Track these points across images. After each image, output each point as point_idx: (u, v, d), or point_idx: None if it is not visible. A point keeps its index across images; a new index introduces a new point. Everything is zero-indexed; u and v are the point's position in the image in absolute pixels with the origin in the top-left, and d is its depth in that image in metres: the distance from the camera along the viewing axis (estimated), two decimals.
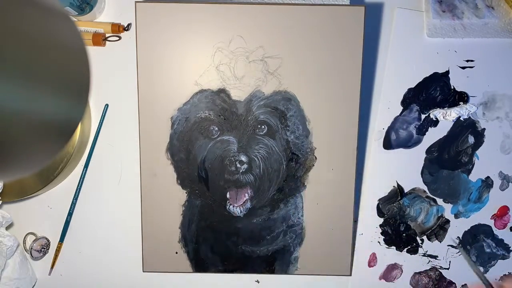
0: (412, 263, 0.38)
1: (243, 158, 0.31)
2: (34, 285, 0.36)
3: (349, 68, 0.31)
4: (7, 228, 0.36)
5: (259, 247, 0.33)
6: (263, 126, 0.31)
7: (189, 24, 0.30)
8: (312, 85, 0.31)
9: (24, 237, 0.36)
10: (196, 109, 0.31)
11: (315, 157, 0.32)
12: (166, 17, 0.30)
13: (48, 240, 0.37)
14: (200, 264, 0.34)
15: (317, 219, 0.33)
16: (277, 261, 0.34)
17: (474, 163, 0.37)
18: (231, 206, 0.33)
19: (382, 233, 0.37)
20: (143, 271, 0.34)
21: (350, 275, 0.35)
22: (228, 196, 0.32)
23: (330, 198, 0.33)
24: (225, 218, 0.33)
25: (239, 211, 0.33)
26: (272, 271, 0.34)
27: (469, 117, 0.36)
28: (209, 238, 0.33)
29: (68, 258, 0.37)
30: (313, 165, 0.32)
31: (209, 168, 0.32)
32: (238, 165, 0.32)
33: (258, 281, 0.38)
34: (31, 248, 0.36)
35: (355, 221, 0.36)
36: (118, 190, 0.36)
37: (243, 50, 0.31)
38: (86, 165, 0.36)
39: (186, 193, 0.33)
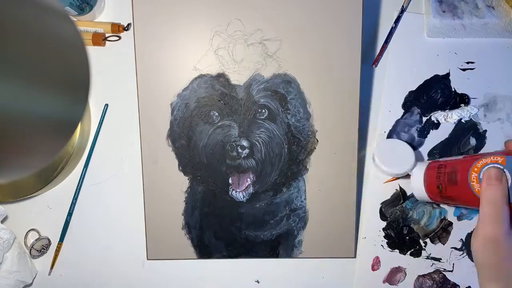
0: (415, 266, 0.37)
1: (244, 143, 0.31)
2: (35, 277, 0.36)
3: (348, 48, 0.31)
4: (2, 221, 0.36)
5: (262, 232, 0.33)
6: (263, 110, 0.31)
7: (186, 8, 0.30)
8: (312, 67, 0.31)
9: (26, 233, 0.36)
10: (195, 95, 0.31)
11: (317, 140, 0.32)
12: (163, 3, 0.30)
13: (49, 241, 0.37)
14: (204, 250, 0.34)
15: (320, 202, 0.33)
16: (281, 245, 0.34)
17: None
18: (233, 192, 0.32)
19: (385, 237, 0.37)
20: (148, 259, 0.34)
21: (355, 257, 0.35)
22: (230, 181, 0.32)
23: (333, 180, 0.33)
24: (228, 204, 0.33)
25: (241, 196, 0.33)
26: (276, 255, 0.34)
27: (471, 119, 0.36)
28: (212, 224, 0.33)
29: (68, 258, 0.37)
30: (315, 148, 0.32)
31: (211, 154, 0.32)
32: (240, 150, 0.32)
33: (258, 281, 0.37)
34: (32, 246, 0.36)
35: (358, 206, 0.36)
36: (118, 188, 0.36)
37: (241, 33, 0.31)
38: (86, 165, 0.36)
39: (188, 179, 0.32)
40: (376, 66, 0.35)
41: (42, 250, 0.36)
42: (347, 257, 0.35)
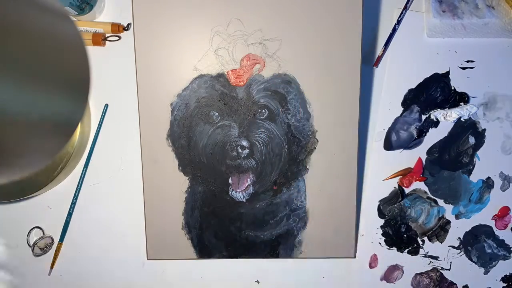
0: (413, 264, 0.38)
1: (244, 143, 0.31)
2: None
3: (348, 48, 0.31)
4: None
5: (262, 232, 0.33)
6: (263, 110, 0.31)
7: (186, 8, 0.30)
8: (312, 67, 0.31)
9: (30, 230, 0.36)
10: (195, 95, 0.31)
11: (317, 140, 0.32)
12: (163, 3, 0.30)
13: (52, 240, 0.37)
14: (204, 251, 0.34)
15: (320, 202, 0.33)
16: (281, 245, 0.34)
17: (474, 164, 0.37)
18: (233, 192, 0.33)
19: (383, 234, 0.37)
20: (147, 259, 0.34)
21: (354, 257, 0.35)
22: (230, 181, 0.32)
23: (333, 180, 0.33)
24: (228, 204, 0.33)
25: (241, 197, 0.33)
26: (276, 256, 0.34)
27: (470, 117, 0.36)
28: (212, 224, 0.33)
29: (68, 258, 0.37)
30: (315, 148, 0.32)
31: (211, 154, 0.32)
32: (240, 150, 0.32)
33: (258, 281, 0.38)
34: (35, 244, 0.36)
35: (358, 205, 0.36)
36: (118, 188, 0.36)
37: (241, 33, 0.31)
38: (86, 165, 0.36)
39: (188, 179, 0.32)
40: (377, 67, 0.35)
41: (45, 248, 0.36)
42: (347, 257, 0.35)
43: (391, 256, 0.38)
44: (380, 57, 0.35)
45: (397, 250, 0.38)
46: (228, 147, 0.32)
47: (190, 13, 0.31)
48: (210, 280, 0.38)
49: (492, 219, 0.38)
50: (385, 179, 0.37)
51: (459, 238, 0.38)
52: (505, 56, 0.36)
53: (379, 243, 0.37)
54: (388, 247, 0.37)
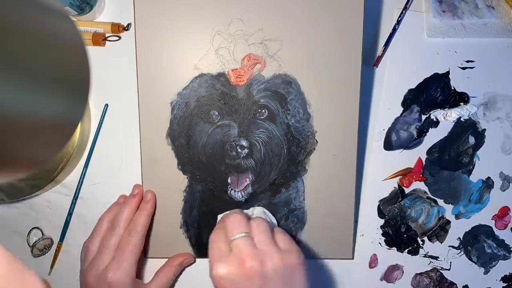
0: (413, 264, 0.38)
1: (244, 143, 0.31)
2: None
3: (349, 49, 0.31)
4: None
5: None
6: (263, 110, 0.31)
7: (187, 7, 0.30)
8: (313, 68, 0.31)
9: (29, 231, 0.36)
10: (196, 94, 0.31)
11: (316, 141, 0.32)
12: (164, 2, 0.30)
13: (52, 241, 0.37)
14: (202, 250, 0.34)
15: (319, 203, 0.33)
16: None
17: (474, 164, 0.37)
18: (232, 191, 0.32)
19: (383, 234, 0.37)
20: (146, 257, 0.34)
21: (353, 258, 0.35)
22: (229, 181, 0.32)
23: (332, 182, 0.33)
24: (226, 203, 0.33)
25: (240, 196, 0.33)
26: None
27: (470, 117, 0.36)
28: (210, 223, 0.33)
29: (68, 258, 0.37)
30: (314, 149, 0.32)
31: (210, 153, 0.32)
32: (239, 150, 0.32)
33: None
34: (34, 245, 0.36)
35: (357, 205, 0.36)
36: (118, 188, 0.36)
37: (242, 33, 0.31)
38: (86, 165, 0.36)
39: (187, 178, 0.32)
40: (377, 67, 0.35)
41: (44, 250, 0.36)
42: (345, 259, 0.35)
43: (391, 256, 0.38)
44: (380, 57, 0.35)
45: (397, 250, 0.38)
46: (228, 146, 0.32)
47: (191, 12, 0.31)
48: (210, 280, 0.38)
49: (492, 219, 0.38)
50: (385, 179, 0.37)
51: (459, 238, 0.38)
52: (505, 56, 0.36)
53: (379, 243, 0.37)
54: (388, 247, 0.37)
